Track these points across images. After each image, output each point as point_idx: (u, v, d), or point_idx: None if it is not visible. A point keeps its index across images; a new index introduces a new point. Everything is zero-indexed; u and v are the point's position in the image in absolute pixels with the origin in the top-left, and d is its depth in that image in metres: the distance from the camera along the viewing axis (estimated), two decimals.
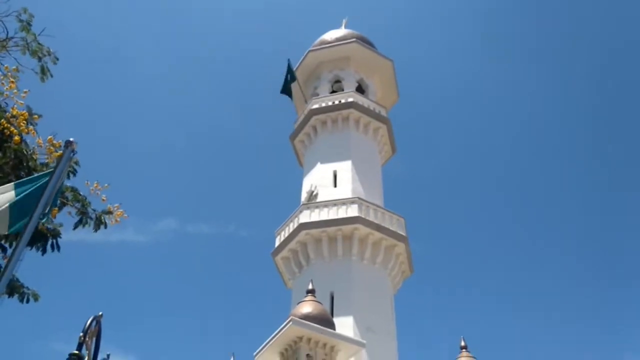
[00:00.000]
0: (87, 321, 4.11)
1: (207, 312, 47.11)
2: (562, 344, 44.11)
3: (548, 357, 44.07)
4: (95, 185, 7.97)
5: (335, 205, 18.20)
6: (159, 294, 47.02)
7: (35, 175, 6.11)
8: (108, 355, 4.72)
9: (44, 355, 39.53)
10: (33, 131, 8.03)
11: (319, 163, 20.87)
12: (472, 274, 47.34)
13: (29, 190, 5.59)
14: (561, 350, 43.59)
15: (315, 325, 11.67)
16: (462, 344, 14.35)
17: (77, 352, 3.89)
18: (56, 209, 7.29)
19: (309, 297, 12.92)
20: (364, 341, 12.73)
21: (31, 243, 7.83)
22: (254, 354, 12.35)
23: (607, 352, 44.26)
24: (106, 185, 8.01)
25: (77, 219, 8.01)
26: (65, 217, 7.93)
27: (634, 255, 44.23)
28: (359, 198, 18.34)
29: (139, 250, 47.04)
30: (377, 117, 22.16)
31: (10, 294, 7.79)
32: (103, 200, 8.00)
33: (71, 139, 4.76)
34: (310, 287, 13.43)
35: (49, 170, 5.72)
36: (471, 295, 45.67)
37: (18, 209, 4.97)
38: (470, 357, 13.79)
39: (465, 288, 46.66)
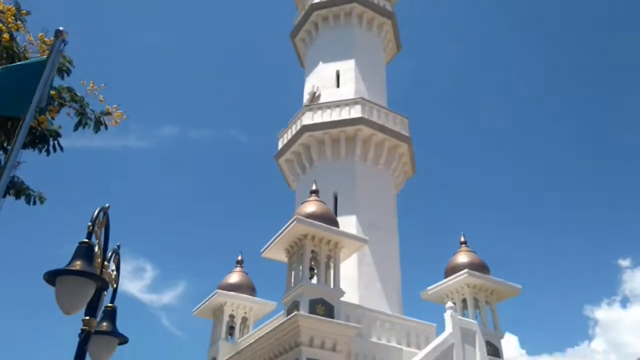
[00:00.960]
0: (94, 212, 4.13)
1: (213, 215, 48.51)
2: (559, 250, 45.71)
3: (544, 260, 45.89)
4: (91, 84, 7.73)
5: (338, 106, 17.93)
6: (164, 198, 48.10)
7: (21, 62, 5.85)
8: (119, 246, 4.82)
9: (58, 256, 41.35)
10: (23, 28, 7.65)
11: (321, 62, 20.27)
12: (472, 175, 47.94)
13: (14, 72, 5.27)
14: (557, 256, 45.28)
15: (319, 223, 11.93)
16: (462, 239, 14.75)
17: (87, 240, 3.95)
18: (55, 108, 7.14)
19: (313, 197, 13.10)
20: (367, 238, 13.11)
21: (33, 145, 7.79)
22: (261, 251, 12.77)
23: (602, 256, 46.04)
24: (102, 85, 7.77)
25: (76, 120, 7.89)
26: (64, 119, 7.80)
27: (633, 172, 44.38)
28: (362, 98, 18.02)
29: (142, 155, 47.39)
30: (382, 11, 21.14)
31: (17, 196, 7.86)
32: (101, 100, 7.80)
33: (61, 28, 4.49)
34: (313, 187, 13.58)
35: (38, 59, 5.47)
36: (471, 195, 46.60)
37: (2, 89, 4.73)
38: (470, 251, 14.23)
39: (465, 188, 47.48)
